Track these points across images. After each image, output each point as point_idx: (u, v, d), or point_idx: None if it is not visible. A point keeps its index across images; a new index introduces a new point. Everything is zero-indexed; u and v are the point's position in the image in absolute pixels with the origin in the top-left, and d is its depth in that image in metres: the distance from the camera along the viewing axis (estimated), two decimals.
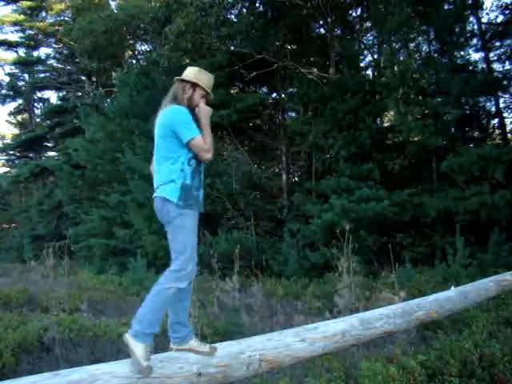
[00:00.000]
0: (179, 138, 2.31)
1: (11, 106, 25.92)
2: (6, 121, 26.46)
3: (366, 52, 13.61)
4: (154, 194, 2.37)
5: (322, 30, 13.15)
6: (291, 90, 13.52)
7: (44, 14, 22.60)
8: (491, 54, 10.30)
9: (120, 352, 4.66)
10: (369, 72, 13.31)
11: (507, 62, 10.20)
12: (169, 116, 2.37)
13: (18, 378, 1.84)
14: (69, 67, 22.12)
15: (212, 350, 2.29)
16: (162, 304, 2.26)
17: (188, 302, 2.43)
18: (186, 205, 2.26)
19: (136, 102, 13.29)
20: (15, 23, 21.88)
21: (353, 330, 2.90)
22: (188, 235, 2.28)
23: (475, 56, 15.95)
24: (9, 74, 23.19)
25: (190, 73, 2.52)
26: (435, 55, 10.07)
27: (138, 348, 2.07)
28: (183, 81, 2.50)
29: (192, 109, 2.46)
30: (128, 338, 2.16)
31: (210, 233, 10.93)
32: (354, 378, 2.99)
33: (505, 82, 9.83)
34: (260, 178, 12.37)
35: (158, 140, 2.41)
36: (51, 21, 22.06)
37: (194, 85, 2.47)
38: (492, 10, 10.22)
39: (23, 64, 22.41)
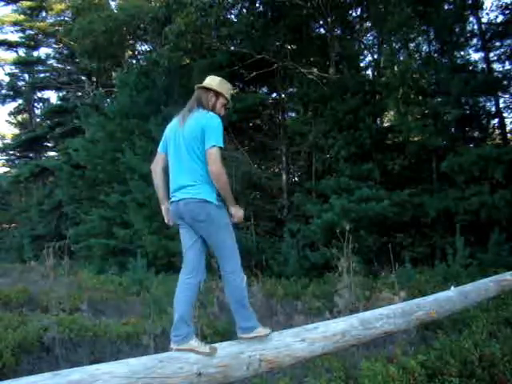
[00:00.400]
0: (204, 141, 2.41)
1: (11, 105, 25.96)
2: (6, 121, 26.49)
3: (366, 52, 13.63)
4: (184, 196, 2.42)
5: (322, 30, 13.15)
6: (291, 89, 13.52)
7: (44, 14, 22.59)
8: (491, 54, 10.31)
9: (120, 352, 4.67)
10: (369, 72, 13.32)
11: (507, 62, 10.20)
12: (207, 119, 2.46)
13: (17, 378, 1.84)
14: (69, 67, 22.13)
15: (212, 350, 2.30)
16: (246, 292, 2.52)
17: (194, 300, 2.49)
18: (223, 205, 2.45)
19: (136, 102, 13.29)
20: (15, 23, 21.89)
21: (353, 330, 2.90)
22: (228, 230, 2.46)
23: (475, 56, 15.95)
24: (9, 74, 23.22)
25: (214, 81, 2.66)
26: (435, 55, 10.07)
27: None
28: (207, 89, 2.62)
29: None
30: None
31: None
32: (354, 378, 3.00)
33: (505, 82, 9.83)
34: (260, 177, 12.36)
35: (191, 141, 2.45)
36: (51, 21, 22.06)
37: (217, 94, 2.60)
38: (492, 10, 10.25)
39: (23, 64, 22.41)
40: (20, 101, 24.54)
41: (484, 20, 10.23)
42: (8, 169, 26.75)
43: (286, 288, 7.94)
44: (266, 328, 2.48)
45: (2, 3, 22.26)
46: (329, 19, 11.58)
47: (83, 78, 20.85)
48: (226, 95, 2.63)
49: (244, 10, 12.63)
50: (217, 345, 2.40)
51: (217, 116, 2.51)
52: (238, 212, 2.54)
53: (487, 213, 8.02)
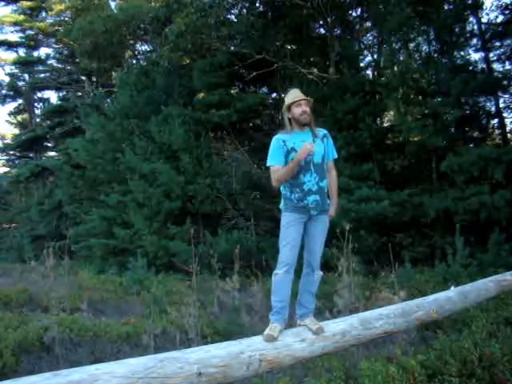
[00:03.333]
0: None
1: (11, 105, 25.91)
2: (6, 121, 26.41)
3: (366, 52, 13.61)
4: None
5: (322, 30, 13.17)
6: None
7: (44, 14, 22.61)
8: (491, 54, 10.31)
9: (120, 352, 4.67)
10: (369, 72, 13.31)
11: (507, 62, 10.21)
12: None
13: (18, 378, 1.84)
14: (69, 67, 22.13)
15: (318, 329, 2.74)
16: (273, 288, 2.84)
17: (310, 288, 2.94)
18: (285, 208, 2.90)
19: (136, 102, 13.29)
20: (15, 23, 21.89)
21: (353, 329, 2.91)
22: (282, 232, 2.84)
23: (475, 56, 15.89)
24: (9, 74, 23.21)
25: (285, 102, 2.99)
26: (435, 55, 10.07)
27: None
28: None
29: (302, 122, 2.91)
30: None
31: (210, 233, 10.93)
32: (354, 377, 3.00)
33: (505, 82, 9.82)
34: (260, 177, 12.35)
35: None
36: (51, 21, 22.06)
37: (288, 107, 2.92)
38: (492, 10, 10.24)
39: (23, 64, 22.41)
40: (20, 101, 24.55)
41: (484, 20, 10.25)
42: (8, 169, 26.74)
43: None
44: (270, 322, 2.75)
45: (2, 3, 22.29)
46: (329, 19, 11.59)
47: (83, 77, 20.84)
48: (289, 103, 2.91)
49: (244, 10, 12.63)
50: (216, 345, 2.42)
51: (274, 137, 2.94)
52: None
53: (487, 213, 8.01)
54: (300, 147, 2.78)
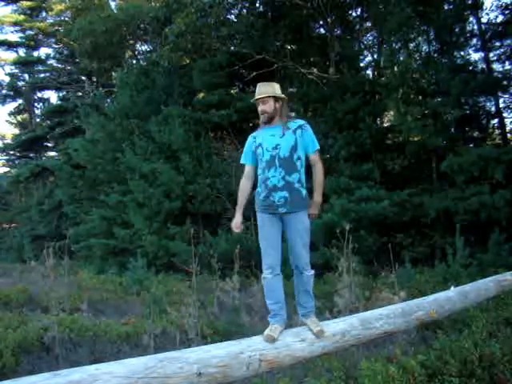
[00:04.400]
0: None
1: (11, 105, 25.97)
2: (6, 121, 26.44)
3: (366, 52, 13.62)
4: None
5: (322, 30, 13.16)
6: (291, 89, 13.51)
7: (44, 14, 22.61)
8: (491, 54, 10.31)
9: (120, 352, 4.67)
10: (369, 72, 13.31)
11: (507, 62, 10.20)
12: None
13: (18, 378, 1.84)
14: (69, 67, 22.12)
15: (318, 331, 2.66)
16: (265, 292, 2.82)
17: (304, 288, 2.89)
18: (257, 208, 2.83)
19: (136, 102, 13.29)
20: (15, 23, 21.89)
21: (353, 329, 2.91)
22: (259, 233, 2.77)
23: (475, 56, 15.92)
24: (9, 74, 23.19)
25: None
26: (435, 55, 10.06)
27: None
28: None
29: (262, 121, 2.87)
30: None
31: (210, 233, 10.93)
32: (354, 377, 3.00)
33: (505, 82, 9.82)
34: None
35: None
36: (51, 21, 22.06)
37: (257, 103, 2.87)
38: (492, 10, 10.24)
39: (23, 64, 22.41)
40: (20, 101, 24.55)
41: (484, 20, 10.25)
42: (8, 169, 26.73)
43: (286, 288, 7.92)
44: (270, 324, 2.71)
45: (2, 3, 22.29)
46: (329, 19, 11.58)
47: (83, 78, 20.85)
48: (255, 98, 2.86)
49: (244, 10, 12.63)
50: (216, 344, 2.42)
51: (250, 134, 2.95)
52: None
53: (487, 213, 8.01)
54: (267, 142, 2.74)
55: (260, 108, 2.80)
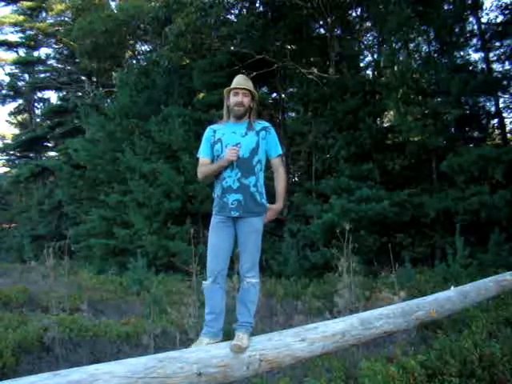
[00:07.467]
0: None
1: (11, 106, 26.00)
2: (6, 121, 26.45)
3: (366, 52, 13.63)
4: None
5: (322, 30, 13.16)
6: (291, 90, 13.52)
7: (44, 14, 22.58)
8: (491, 54, 10.32)
9: (120, 352, 4.67)
10: (369, 72, 13.33)
11: (507, 62, 10.21)
12: None
13: (18, 378, 1.84)
14: (69, 67, 22.12)
15: (233, 346, 2.35)
16: (205, 300, 2.63)
17: (241, 298, 2.63)
18: (213, 209, 2.65)
19: (136, 102, 13.29)
20: (15, 24, 21.87)
21: (353, 329, 2.90)
22: (209, 237, 2.60)
23: (475, 56, 15.97)
24: (9, 74, 23.19)
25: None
26: (435, 55, 10.07)
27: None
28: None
29: (234, 113, 2.65)
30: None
31: None
32: (354, 377, 3.00)
33: (504, 82, 9.83)
34: None
35: None
36: (51, 21, 22.02)
37: (228, 93, 2.68)
38: (492, 10, 10.26)
39: (23, 64, 22.41)
40: (20, 101, 24.54)
41: (484, 20, 10.27)
42: (8, 169, 26.76)
43: (286, 288, 7.94)
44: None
45: (2, 3, 22.28)
46: (329, 19, 11.59)
47: (83, 78, 20.85)
48: (228, 88, 2.69)
49: (244, 10, 12.64)
50: (216, 344, 2.41)
51: (208, 127, 2.75)
52: None
53: (487, 213, 8.02)
54: (228, 139, 2.56)
55: (237, 99, 2.58)
